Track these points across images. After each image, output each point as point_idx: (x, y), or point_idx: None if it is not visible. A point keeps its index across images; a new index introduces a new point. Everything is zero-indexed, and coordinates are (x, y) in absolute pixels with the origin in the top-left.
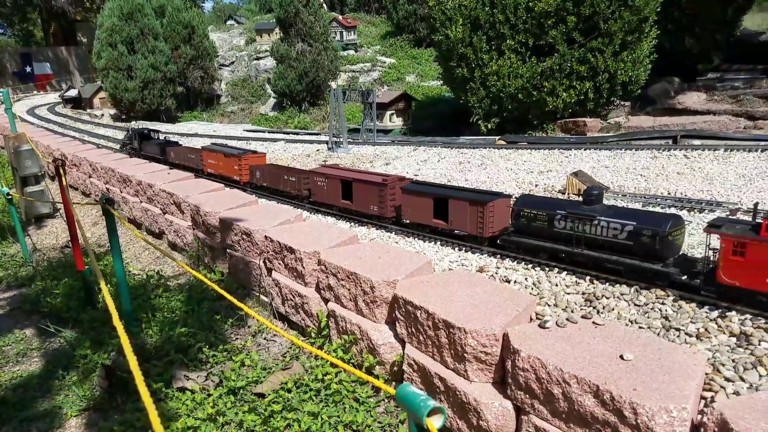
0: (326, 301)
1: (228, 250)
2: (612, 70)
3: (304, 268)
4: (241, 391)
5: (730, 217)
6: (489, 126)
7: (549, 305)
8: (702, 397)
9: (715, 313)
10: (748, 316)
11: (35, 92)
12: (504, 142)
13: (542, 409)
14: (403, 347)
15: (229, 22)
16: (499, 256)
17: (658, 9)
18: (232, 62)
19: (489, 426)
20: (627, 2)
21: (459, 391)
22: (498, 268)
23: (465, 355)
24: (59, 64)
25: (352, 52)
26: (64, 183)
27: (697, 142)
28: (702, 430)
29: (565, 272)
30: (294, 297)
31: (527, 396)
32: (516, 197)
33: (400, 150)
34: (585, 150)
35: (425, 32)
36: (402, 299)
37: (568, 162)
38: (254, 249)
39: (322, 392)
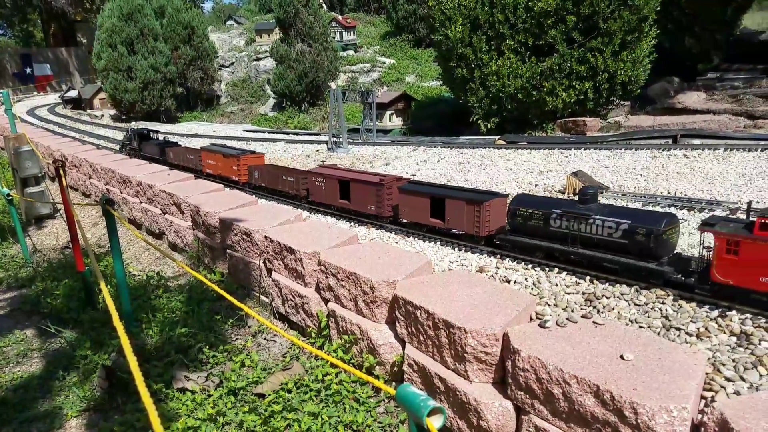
0: (326, 301)
1: (228, 251)
2: (612, 70)
3: (304, 268)
4: (242, 391)
5: (729, 216)
6: (489, 126)
7: (549, 305)
8: (702, 397)
9: (716, 313)
10: (749, 315)
11: (35, 93)
12: (504, 142)
13: (542, 409)
14: (403, 347)
15: (228, 23)
16: (499, 256)
17: (658, 8)
18: (232, 63)
19: (489, 426)
20: (627, 2)
21: (459, 391)
22: (498, 268)
23: (465, 355)
24: (59, 65)
25: (351, 52)
26: (65, 184)
27: (697, 141)
28: (702, 429)
29: (565, 272)
30: (294, 297)
31: (527, 396)
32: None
33: (399, 150)
34: (585, 150)
35: (425, 32)
36: (402, 299)
37: (568, 162)
38: (254, 249)
39: (322, 392)
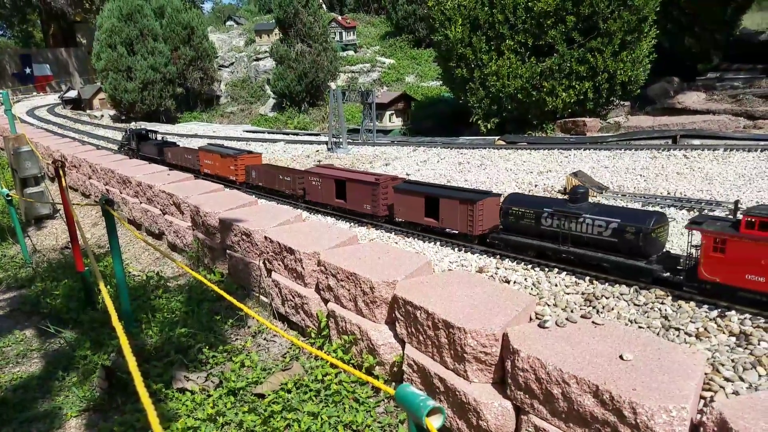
0: (326, 301)
1: (228, 251)
2: (611, 70)
3: (303, 268)
4: (241, 391)
5: (728, 216)
6: (488, 126)
7: (548, 305)
8: (701, 397)
9: (715, 313)
10: (748, 315)
11: (35, 93)
12: (503, 142)
13: (542, 409)
14: (403, 347)
15: (228, 23)
16: (498, 256)
17: (658, 9)
18: (232, 63)
19: (489, 426)
20: (626, 2)
21: (459, 391)
22: (498, 268)
23: (465, 355)
24: (59, 65)
25: (351, 52)
26: (64, 184)
27: (696, 141)
28: (701, 429)
29: (565, 272)
30: (294, 297)
31: (527, 396)
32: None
33: (399, 150)
34: (584, 150)
35: (425, 32)
36: (402, 299)
37: (568, 162)
38: (254, 249)
39: (321, 392)
